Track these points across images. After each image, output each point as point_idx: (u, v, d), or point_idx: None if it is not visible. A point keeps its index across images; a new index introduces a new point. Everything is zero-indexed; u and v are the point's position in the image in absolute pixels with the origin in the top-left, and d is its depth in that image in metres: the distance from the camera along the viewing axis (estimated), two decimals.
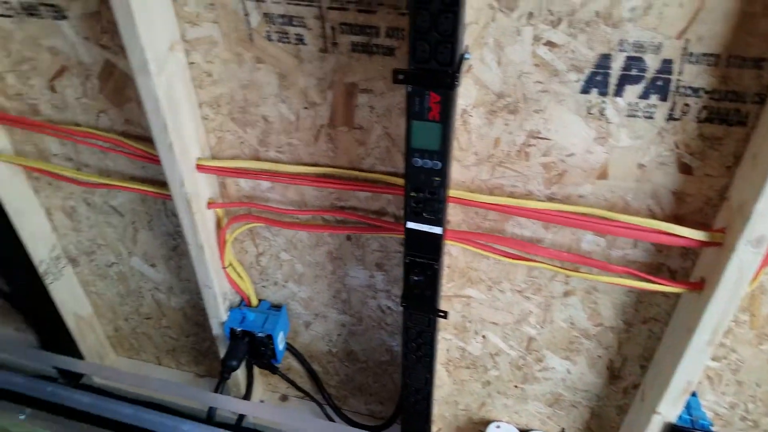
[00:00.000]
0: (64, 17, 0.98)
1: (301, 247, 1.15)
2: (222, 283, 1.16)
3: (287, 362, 1.41)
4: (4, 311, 1.62)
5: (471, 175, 0.94)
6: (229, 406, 1.09)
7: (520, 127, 0.87)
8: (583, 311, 1.06)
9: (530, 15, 0.76)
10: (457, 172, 0.94)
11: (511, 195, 0.94)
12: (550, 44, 0.77)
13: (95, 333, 1.53)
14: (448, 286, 1.12)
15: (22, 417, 1.15)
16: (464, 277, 1.09)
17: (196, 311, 1.39)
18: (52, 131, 1.13)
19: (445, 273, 1.09)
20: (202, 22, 0.91)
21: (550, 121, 0.85)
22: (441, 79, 0.67)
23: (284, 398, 1.51)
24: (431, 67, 0.67)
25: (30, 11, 0.99)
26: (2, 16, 1.01)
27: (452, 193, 0.93)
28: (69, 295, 1.41)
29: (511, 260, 1.00)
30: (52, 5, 0.97)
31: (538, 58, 0.79)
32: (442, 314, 0.95)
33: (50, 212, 1.33)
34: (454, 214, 1.00)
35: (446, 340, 1.22)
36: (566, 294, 1.05)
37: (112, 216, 1.28)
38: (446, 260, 1.08)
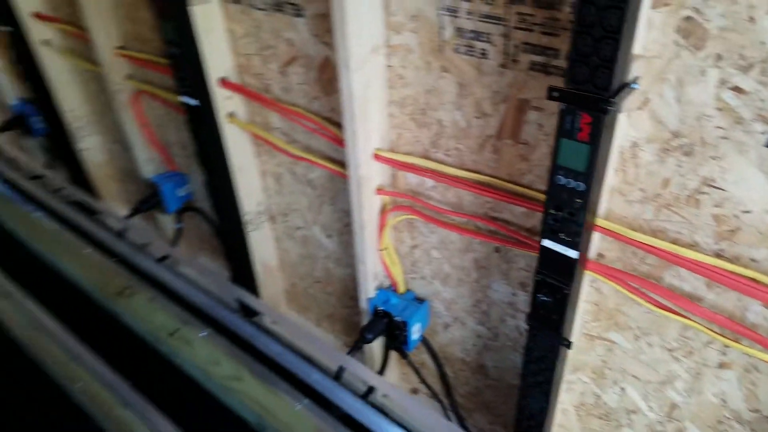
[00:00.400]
0: (300, 15, 1.18)
1: (451, 248, 1.21)
2: (375, 263, 1.28)
3: (422, 357, 1.48)
4: (214, 246, 1.97)
5: (634, 211, 0.91)
6: (358, 371, 1.20)
7: (694, 171, 0.81)
8: (739, 390, 0.94)
9: (718, 57, 0.72)
10: (618, 205, 0.91)
11: (675, 242, 0.88)
12: (737, 90, 0.72)
13: (275, 283, 1.78)
14: (593, 324, 1.08)
15: (203, 334, 1.41)
16: (611, 320, 1.05)
17: (354, 285, 1.54)
18: (277, 108, 1.36)
19: (591, 310, 1.06)
20: (404, 31, 1.02)
21: (727, 170, 0.78)
22: (594, 103, 0.68)
23: (414, 391, 1.58)
24: (587, 90, 0.68)
25: (277, 7, 1.21)
26: (259, 9, 1.25)
27: (609, 225, 0.91)
28: (262, 245, 1.68)
29: (664, 312, 0.94)
30: (293, 4, 1.17)
31: (721, 102, 0.74)
32: (566, 343, 0.93)
33: (263, 174, 1.59)
34: (609, 249, 0.97)
35: (582, 382, 1.18)
36: (721, 366, 0.94)
37: (307, 187, 1.49)
38: (594, 297, 1.04)
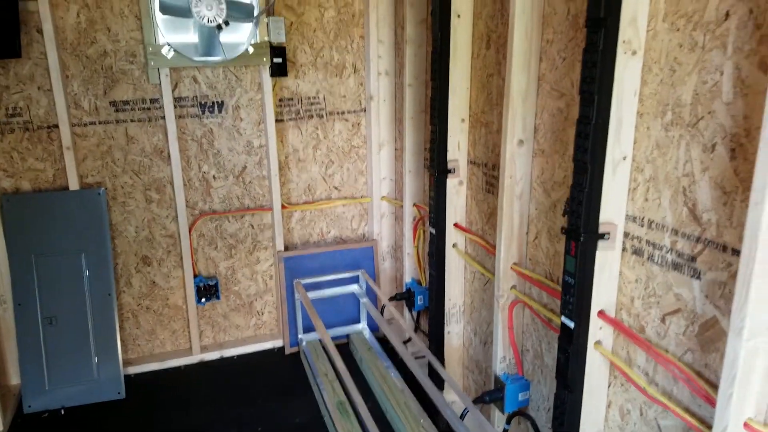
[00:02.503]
0: (698, 277, 1.34)
1: None
2: None
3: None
4: None
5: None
6: None
7: None
8: None
9: None
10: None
11: None
12: None
13: None
14: None
15: None
16: None
17: None
18: (646, 348, 1.49)
19: None
20: None
21: None
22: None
23: None
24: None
25: (675, 266, 1.40)
26: (656, 264, 1.46)
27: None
28: None
29: None
30: (693, 267, 1.35)
31: None
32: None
33: (609, 404, 1.68)
34: None
35: None
36: None
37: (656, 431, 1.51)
38: None
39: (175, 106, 2.92)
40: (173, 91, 2.91)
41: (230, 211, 3.19)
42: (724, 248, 1.26)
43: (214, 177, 3.11)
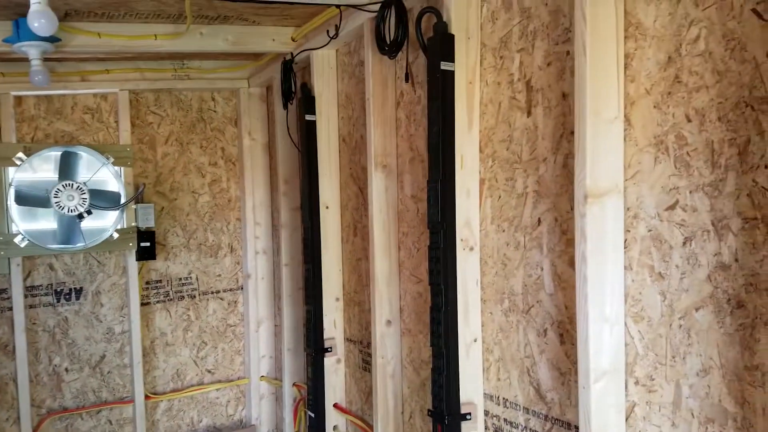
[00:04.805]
0: None
1: None
2: None
3: None
4: None
5: None
6: None
7: None
8: None
9: None
10: None
11: None
12: None
13: None
14: None
15: None
16: None
17: None
18: None
19: None
20: None
21: None
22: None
23: None
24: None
25: None
26: None
27: None
28: None
29: None
30: None
31: None
32: None
33: None
34: None
35: None
36: None
37: None
38: None
39: (25, 296, 2.72)
40: (24, 280, 2.73)
41: (84, 408, 2.87)
42: (569, 426, 1.37)
43: (66, 369, 2.84)
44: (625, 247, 1.22)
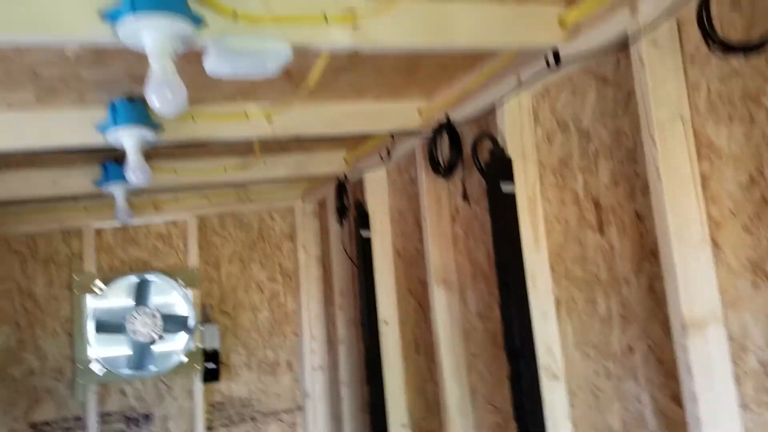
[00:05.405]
0: None
1: None
2: None
3: None
4: None
5: None
6: None
7: None
8: None
9: None
10: None
11: None
12: None
13: None
14: None
15: None
16: None
17: None
18: None
19: None
20: None
21: None
22: None
23: None
24: None
25: None
26: None
27: None
28: None
29: None
30: None
31: None
32: None
33: None
34: None
35: None
36: None
37: None
38: None
39: (98, 422, 2.72)
40: (99, 406, 2.74)
41: None
42: None
43: None
44: (736, 383, 1.11)
